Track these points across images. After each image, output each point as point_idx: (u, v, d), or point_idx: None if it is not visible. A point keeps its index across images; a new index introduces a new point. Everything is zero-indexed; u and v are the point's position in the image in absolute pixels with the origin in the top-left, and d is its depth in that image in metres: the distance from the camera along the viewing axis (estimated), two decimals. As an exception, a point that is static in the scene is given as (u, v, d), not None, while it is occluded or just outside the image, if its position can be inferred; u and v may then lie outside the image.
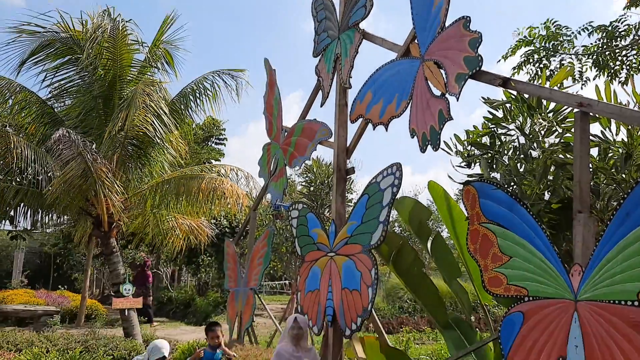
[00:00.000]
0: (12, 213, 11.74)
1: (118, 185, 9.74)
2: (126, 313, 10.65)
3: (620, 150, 3.38)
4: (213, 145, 28.22)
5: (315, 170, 9.17)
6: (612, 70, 8.88)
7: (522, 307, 3.19)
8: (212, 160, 25.01)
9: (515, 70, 9.40)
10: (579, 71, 9.02)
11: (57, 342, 7.44)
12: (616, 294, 2.64)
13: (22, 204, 11.16)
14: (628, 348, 2.54)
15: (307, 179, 9.12)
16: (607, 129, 3.42)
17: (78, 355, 5.36)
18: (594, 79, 9.17)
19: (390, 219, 4.76)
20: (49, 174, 10.10)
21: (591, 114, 3.10)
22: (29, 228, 13.32)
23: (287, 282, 27.14)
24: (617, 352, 2.59)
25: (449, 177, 3.98)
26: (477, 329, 5.20)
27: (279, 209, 12.08)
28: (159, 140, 10.23)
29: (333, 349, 5.28)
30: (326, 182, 9.00)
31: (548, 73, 8.48)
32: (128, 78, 11.35)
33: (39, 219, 11.76)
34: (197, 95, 11.39)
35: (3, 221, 12.43)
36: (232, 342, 7.54)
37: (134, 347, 8.36)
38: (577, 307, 2.84)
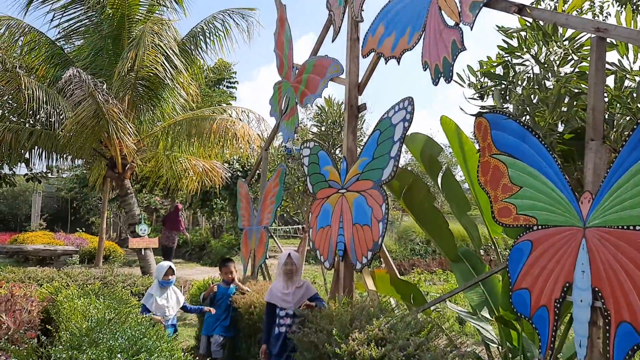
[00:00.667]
0: (27, 156, 11.89)
1: (130, 127, 9.78)
2: (143, 252, 10.92)
3: (637, 79, 3.31)
4: (224, 88, 28.08)
5: (326, 109, 9.10)
6: (635, 6, 8.58)
7: (531, 236, 3.21)
8: (224, 104, 24.95)
9: (535, 3, 9.11)
10: (599, 5, 8.71)
11: (77, 278, 7.67)
12: (625, 219, 2.65)
13: (36, 147, 11.28)
14: (634, 271, 2.57)
15: (318, 118, 9.08)
16: (624, 57, 3.34)
17: (97, 289, 5.52)
18: (614, 16, 8.86)
19: (404, 160, 4.75)
20: (61, 116, 10.15)
21: (608, 40, 3.02)
22: (44, 171, 13.51)
23: (300, 226, 27.45)
24: (623, 275, 2.62)
25: (461, 109, 3.94)
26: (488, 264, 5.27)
27: (290, 152, 12.11)
28: (169, 82, 10.18)
29: (344, 282, 5.40)
30: (338, 121, 8.95)
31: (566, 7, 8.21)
32: (137, 17, 11.19)
33: (54, 162, 11.89)
34: (208, 35, 11.23)
35: (19, 164, 12.60)
36: (246, 279, 7.72)
37: (151, 284, 8.61)
38: (585, 234, 2.86)
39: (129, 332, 3.20)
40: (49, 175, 19.72)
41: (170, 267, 6.24)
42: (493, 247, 4.78)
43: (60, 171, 30.50)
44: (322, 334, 4.37)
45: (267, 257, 7.70)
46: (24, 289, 5.39)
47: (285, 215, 27.78)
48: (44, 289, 5.75)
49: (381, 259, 5.67)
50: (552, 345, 3.01)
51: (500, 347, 4.11)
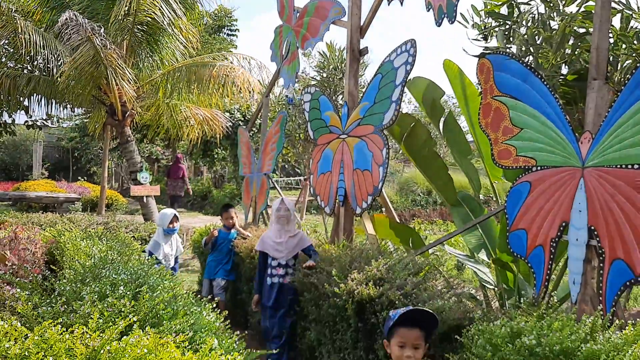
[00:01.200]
0: (25, 103, 11.82)
1: (129, 73, 9.68)
2: (144, 200, 11.00)
3: (643, 18, 3.24)
4: (225, 36, 27.62)
5: (328, 55, 8.98)
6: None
7: (530, 177, 3.23)
8: (224, 52, 24.57)
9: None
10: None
11: (80, 223, 7.76)
12: (624, 158, 2.66)
13: (35, 95, 11.19)
14: (630, 209, 2.60)
15: (319, 65, 8.96)
16: (631, -5, 3.27)
17: (100, 232, 5.59)
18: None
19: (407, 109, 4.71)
20: (59, 61, 10.02)
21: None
22: (44, 118, 13.46)
23: (301, 178, 27.53)
24: (619, 213, 2.64)
25: (464, 50, 3.88)
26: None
27: (292, 102, 12.02)
28: (167, 27, 10.00)
29: (344, 227, 5.46)
30: (339, 67, 8.84)
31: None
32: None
33: (53, 110, 11.82)
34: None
35: (18, 112, 12.55)
36: (247, 225, 7.81)
37: (154, 230, 8.71)
38: (583, 174, 2.87)
39: (132, 269, 3.27)
40: (49, 124, 19.66)
41: (175, 214, 6.21)
42: (492, 192, 4.80)
43: (60, 121, 30.44)
44: (321, 275, 4.46)
45: (268, 204, 7.76)
46: (27, 231, 5.46)
47: (286, 166, 27.86)
48: (47, 232, 5.82)
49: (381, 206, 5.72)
50: (546, 283, 3.07)
51: (496, 289, 4.20)
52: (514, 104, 3.34)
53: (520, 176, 3.30)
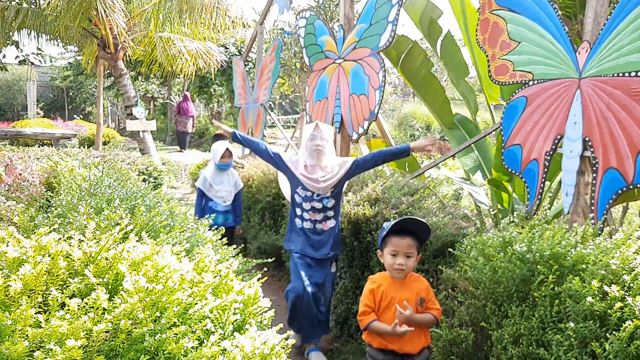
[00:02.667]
0: (15, 38, 11.56)
1: (119, 3, 9.40)
2: (141, 135, 10.95)
3: None
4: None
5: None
6: None
7: (526, 92, 3.20)
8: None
9: None
10: None
11: (77, 157, 7.75)
12: (621, 66, 2.62)
13: (24, 29, 10.92)
14: (625, 118, 2.58)
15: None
16: None
17: (97, 163, 5.59)
18: None
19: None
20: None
21: None
22: (34, 53, 13.20)
23: (298, 116, 27.34)
24: (614, 123, 2.63)
25: (462, -36, 3.75)
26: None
27: (288, 34, 11.74)
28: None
29: (340, 153, 5.46)
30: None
31: None
32: None
33: (44, 45, 11.56)
34: None
35: (8, 46, 12.27)
36: (244, 157, 7.81)
37: (151, 163, 8.73)
38: (580, 85, 2.84)
39: (129, 189, 3.28)
40: (42, 62, 19.34)
41: (227, 148, 5.36)
42: (489, 114, 4.77)
43: (53, 60, 29.89)
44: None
45: (264, 134, 7.73)
46: (24, 161, 5.46)
47: (284, 104, 27.59)
48: (45, 164, 5.83)
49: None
50: (539, 197, 3.09)
51: (491, 209, 4.24)
52: (512, 17, 3.26)
53: (517, 92, 3.27)
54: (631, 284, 2.02)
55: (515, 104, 3.27)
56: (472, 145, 4.43)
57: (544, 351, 2.23)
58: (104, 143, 16.30)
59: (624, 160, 2.58)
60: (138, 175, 7.80)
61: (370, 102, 4.87)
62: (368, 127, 4.94)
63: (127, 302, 1.69)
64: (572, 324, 2.08)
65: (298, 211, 3.81)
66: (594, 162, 2.74)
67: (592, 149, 2.75)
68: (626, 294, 1.99)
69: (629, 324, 1.84)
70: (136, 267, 2.00)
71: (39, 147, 10.20)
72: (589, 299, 2.02)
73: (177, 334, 1.75)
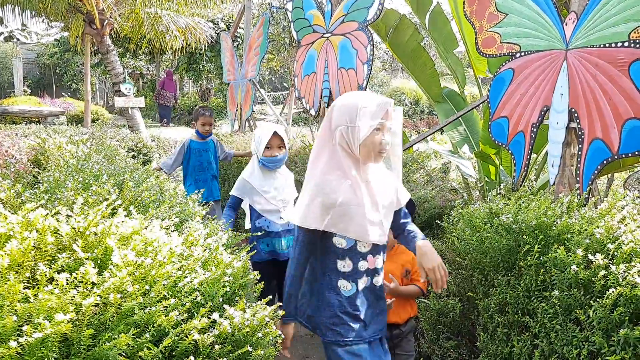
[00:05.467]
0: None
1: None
2: (130, 112, 10.85)
3: None
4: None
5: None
6: None
7: (513, 64, 3.20)
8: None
9: None
10: None
11: (65, 134, 7.68)
12: (608, 37, 2.62)
13: (8, 5, 10.71)
14: (611, 89, 2.59)
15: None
16: None
17: (86, 140, 5.55)
18: None
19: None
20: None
21: None
22: (19, 29, 12.96)
23: (288, 92, 27.19)
24: (600, 93, 2.65)
25: None
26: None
27: (277, 10, 11.59)
28: None
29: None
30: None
31: None
32: None
33: (29, 20, 11.36)
34: None
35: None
36: (235, 132, 7.78)
37: (141, 140, 8.67)
38: (566, 56, 2.84)
39: (117, 165, 3.27)
40: (28, 40, 19.02)
41: (275, 132, 3.30)
42: (477, 87, 4.76)
43: (39, 37, 29.39)
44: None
45: (254, 110, 7.69)
46: (11, 139, 5.41)
47: (273, 79, 27.38)
48: (33, 141, 5.78)
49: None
50: (526, 168, 3.12)
51: (478, 182, 4.27)
52: (500, -11, 3.24)
53: (504, 64, 3.27)
54: (615, 253, 2.05)
55: (502, 76, 3.27)
56: (459, 118, 4.44)
57: (529, 319, 2.27)
58: (93, 121, 16.16)
59: (609, 130, 2.60)
60: (127, 152, 7.76)
61: (358, 76, 4.85)
62: (357, 102, 4.92)
63: (116, 276, 1.70)
64: (557, 292, 2.12)
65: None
66: (579, 133, 2.76)
67: (578, 120, 2.77)
68: (610, 262, 2.02)
69: (613, 291, 1.87)
70: (125, 242, 2.01)
71: (26, 124, 10.10)
72: (574, 267, 2.06)
73: (166, 307, 1.77)
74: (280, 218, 3.37)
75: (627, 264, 1.97)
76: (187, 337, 1.68)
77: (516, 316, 2.36)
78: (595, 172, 2.67)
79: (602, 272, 1.98)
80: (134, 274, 1.85)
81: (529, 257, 2.33)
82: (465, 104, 4.67)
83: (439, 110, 4.72)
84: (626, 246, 2.02)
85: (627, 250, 2.01)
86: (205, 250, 2.21)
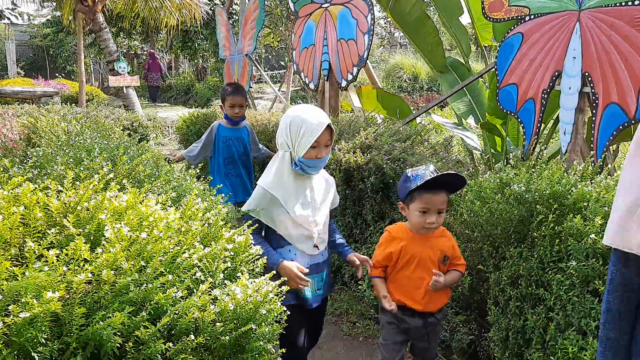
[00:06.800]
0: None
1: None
2: (124, 91, 10.68)
3: None
4: None
5: None
6: None
7: (522, 28, 3.06)
8: None
9: None
10: None
11: (59, 113, 7.53)
12: (624, -5, 2.49)
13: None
14: (628, 50, 2.47)
15: None
16: None
17: (80, 117, 5.41)
18: None
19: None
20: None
21: None
22: (9, 8, 12.72)
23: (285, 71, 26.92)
24: (615, 55, 2.52)
25: None
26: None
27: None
28: None
29: (330, 102, 5.32)
30: None
31: None
32: None
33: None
34: None
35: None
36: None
37: (137, 119, 8.53)
38: (579, 17, 2.71)
39: (111, 140, 3.16)
40: (19, 18, 18.70)
41: (328, 124, 2.28)
42: (481, 54, 4.62)
43: (31, 18, 28.96)
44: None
45: (251, 86, 7.54)
46: (2, 118, 5.28)
47: (270, 57, 27.08)
48: (26, 120, 5.65)
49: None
50: (536, 137, 3.00)
51: (484, 154, 4.16)
52: (508, -51, 3.09)
53: (512, 28, 3.13)
54: (635, 220, 1.95)
55: (510, 41, 3.14)
56: (464, 89, 4.31)
57: (544, 291, 2.18)
58: (88, 101, 15.95)
59: (625, 94, 2.48)
60: (123, 130, 7.63)
61: (359, 47, 4.71)
62: (357, 74, 4.80)
63: (109, 252, 1.59)
64: (573, 263, 2.02)
65: None
66: (593, 97, 2.64)
67: (591, 85, 2.64)
68: (630, 229, 1.92)
69: (635, 260, 1.77)
70: (119, 217, 1.90)
71: (18, 104, 9.92)
72: (592, 236, 1.96)
73: (164, 284, 1.67)
74: (315, 247, 2.36)
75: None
76: (186, 315, 1.58)
77: (529, 289, 2.27)
78: (611, 138, 2.56)
79: (623, 241, 1.87)
80: (128, 250, 1.75)
81: (543, 228, 2.23)
82: (470, 74, 4.53)
83: (442, 81, 4.59)
84: (648, 213, 1.92)
85: (649, 217, 1.91)
86: (204, 224, 2.11)
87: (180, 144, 9.25)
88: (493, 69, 3.38)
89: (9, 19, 13.45)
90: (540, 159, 2.75)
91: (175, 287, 1.67)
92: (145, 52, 26.42)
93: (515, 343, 2.34)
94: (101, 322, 1.44)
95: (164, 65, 26.17)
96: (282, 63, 26.98)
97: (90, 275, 1.44)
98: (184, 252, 1.80)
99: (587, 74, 2.66)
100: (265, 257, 2.00)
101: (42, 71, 29.60)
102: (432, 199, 2.20)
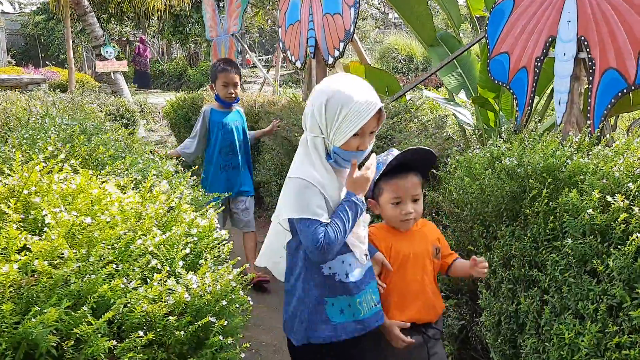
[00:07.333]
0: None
1: None
2: (112, 76, 10.46)
3: None
4: None
5: None
6: None
7: (513, -8, 2.86)
8: None
9: None
10: None
11: (42, 99, 7.33)
12: (622, -50, 2.29)
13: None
14: (627, 10, 2.28)
15: None
16: None
17: (63, 107, 5.21)
18: None
19: None
20: None
21: None
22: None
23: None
24: (613, 17, 2.33)
25: None
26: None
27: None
28: None
29: (317, 81, 5.13)
30: None
31: None
32: None
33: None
34: None
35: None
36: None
37: (123, 103, 8.31)
38: (574, -23, 2.51)
39: (81, 122, 2.98)
40: (10, 9, 18.40)
41: (380, 108, 1.76)
42: (472, 27, 4.42)
43: (22, 6, 28.60)
44: (294, 128, 4.21)
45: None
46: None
47: (264, 41, 26.76)
48: (5, 106, 5.44)
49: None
50: (529, 108, 2.82)
51: (476, 130, 3.98)
52: None
53: (503, -7, 2.93)
54: (637, 193, 1.78)
55: (501, 7, 2.94)
56: (455, 62, 4.12)
57: (538, 272, 2.02)
58: (78, 89, 15.69)
59: (624, 58, 2.29)
60: (108, 115, 7.43)
61: (345, 21, 4.50)
62: (344, 50, 4.60)
63: (47, 240, 1.42)
64: (569, 241, 1.86)
65: None
66: (590, 63, 2.45)
67: (588, 49, 2.46)
68: (632, 203, 1.75)
69: (637, 236, 1.61)
70: (68, 201, 1.73)
71: (1, 91, 9.70)
72: (589, 211, 1.79)
73: (113, 274, 1.50)
74: (365, 255, 1.85)
75: (653, 205, 1.70)
76: (135, 308, 1.42)
77: (522, 270, 2.11)
78: (609, 106, 2.38)
79: (623, 215, 1.71)
80: (75, 237, 1.58)
81: (536, 204, 2.06)
82: (461, 45, 4.33)
83: (432, 55, 4.39)
84: (650, 185, 1.75)
85: (651, 189, 1.74)
86: (168, 210, 1.94)
87: (171, 129, 9.03)
88: (484, 39, 3.18)
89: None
90: (534, 132, 2.57)
91: (126, 278, 1.50)
92: (138, 39, 26.13)
93: (508, 328, 2.18)
94: (33, 319, 1.28)
95: (156, 51, 25.90)
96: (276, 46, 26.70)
97: (14, 267, 1.27)
98: (139, 239, 1.63)
99: (582, 38, 2.47)
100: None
101: (34, 60, 29.26)
102: (401, 184, 1.88)
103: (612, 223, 1.76)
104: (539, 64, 2.72)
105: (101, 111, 7.47)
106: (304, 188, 1.72)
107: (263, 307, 3.47)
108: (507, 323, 2.18)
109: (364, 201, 1.80)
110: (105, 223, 1.56)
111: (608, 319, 1.73)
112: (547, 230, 2.00)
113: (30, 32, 29.53)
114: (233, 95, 3.65)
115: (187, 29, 20.61)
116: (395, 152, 1.93)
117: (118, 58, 10.89)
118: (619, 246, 1.70)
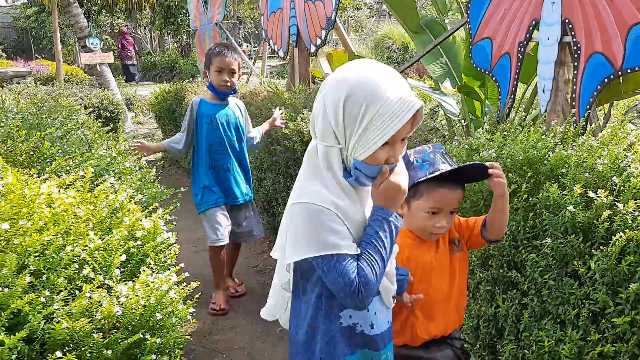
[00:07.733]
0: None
1: None
2: (98, 68, 10.25)
3: None
4: None
5: None
6: None
7: (496, -27, 2.69)
8: None
9: None
10: None
11: (22, 93, 7.13)
12: None
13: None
14: (613, -11, 2.11)
15: None
16: None
17: (39, 101, 5.00)
18: None
19: None
20: None
21: None
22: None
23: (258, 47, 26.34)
24: (600, -4, 2.16)
25: None
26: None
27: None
28: None
29: (299, 71, 4.95)
30: None
31: None
32: None
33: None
34: None
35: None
36: (203, 80, 7.23)
37: (106, 96, 8.11)
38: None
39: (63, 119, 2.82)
40: (2, 2, 18.09)
41: (421, 105, 1.23)
42: (460, 11, 4.24)
43: (13, -1, 28.27)
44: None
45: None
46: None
47: (257, 32, 26.49)
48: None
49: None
50: (512, 96, 2.66)
51: (463, 121, 3.82)
52: None
53: (485, -26, 2.76)
54: (622, 187, 1.63)
55: (483, -10, 2.77)
56: (440, 49, 3.95)
57: (517, 274, 1.87)
58: (67, 82, 15.43)
59: (611, 41, 2.13)
60: (87, 109, 7.24)
61: (326, 9, 4.32)
62: (326, 38, 4.42)
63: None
64: (549, 240, 1.71)
65: None
66: (575, 48, 2.29)
67: (572, 33, 2.29)
68: (616, 199, 1.60)
69: (620, 236, 1.46)
70: (-4, 203, 1.57)
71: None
72: (570, 208, 1.64)
73: (35, 286, 1.34)
74: (393, 298, 1.45)
75: (638, 201, 1.54)
76: (56, 325, 1.26)
77: (501, 270, 1.96)
78: (595, 93, 2.21)
79: (606, 213, 1.55)
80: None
81: (516, 199, 1.90)
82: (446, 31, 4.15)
83: (417, 43, 4.20)
84: (636, 178, 1.59)
85: (636, 183, 1.59)
86: (112, 212, 1.78)
87: (157, 123, 8.82)
88: (468, 25, 3.01)
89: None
90: (517, 122, 2.42)
91: (49, 290, 1.35)
92: (131, 30, 25.82)
93: (486, 332, 2.04)
94: None
95: (149, 43, 25.63)
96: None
97: None
98: (70, 245, 1.47)
99: (567, 20, 2.30)
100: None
101: (27, 53, 28.95)
102: (447, 195, 1.56)
103: (594, 221, 1.61)
104: (522, 49, 2.55)
105: (84, 104, 7.29)
106: (317, 214, 1.23)
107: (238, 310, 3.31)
108: (485, 327, 2.03)
109: (398, 216, 1.33)
110: (28, 228, 1.40)
111: (590, 325, 1.59)
112: (527, 228, 1.86)
113: (22, 25, 29.24)
114: (228, 84, 3.09)
115: (179, 20, 20.34)
116: (442, 149, 1.61)
117: (105, 50, 10.65)
118: (602, 246, 1.56)
